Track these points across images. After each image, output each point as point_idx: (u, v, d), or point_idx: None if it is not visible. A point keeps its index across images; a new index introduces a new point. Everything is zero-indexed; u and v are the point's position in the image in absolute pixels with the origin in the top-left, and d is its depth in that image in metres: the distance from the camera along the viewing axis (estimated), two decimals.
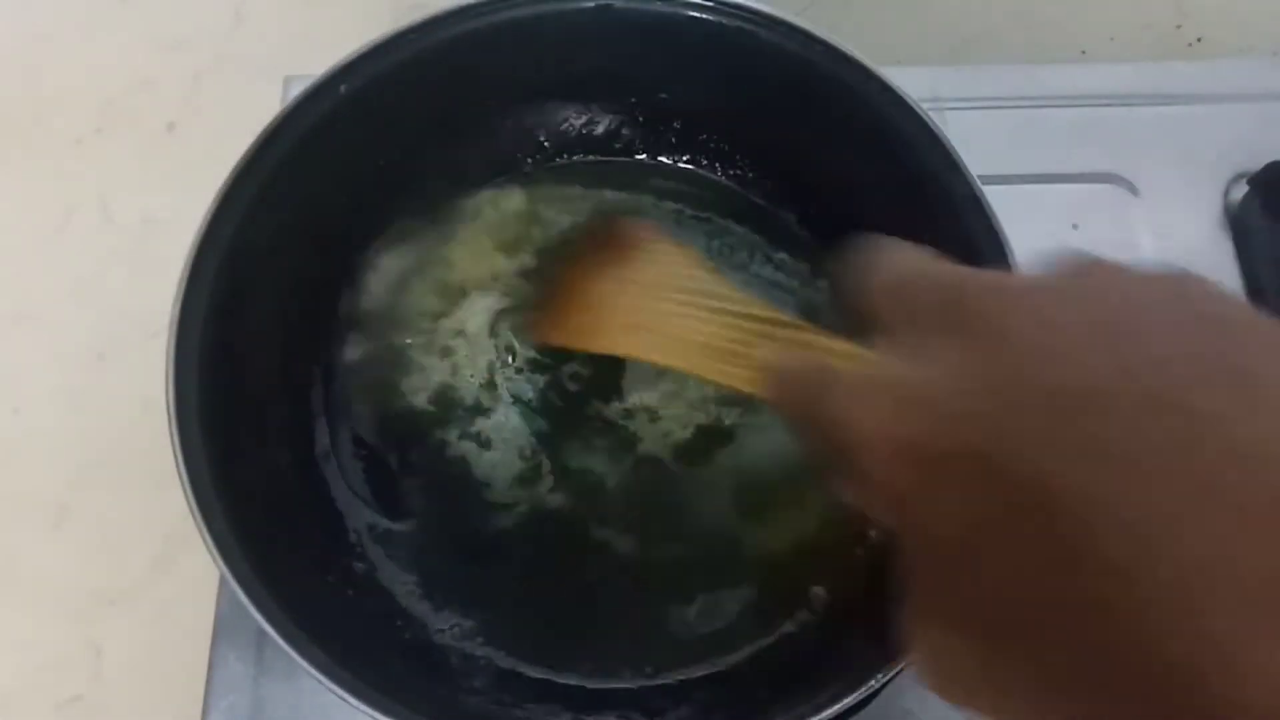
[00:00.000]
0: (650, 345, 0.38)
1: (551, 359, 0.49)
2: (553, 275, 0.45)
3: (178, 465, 0.37)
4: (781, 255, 0.52)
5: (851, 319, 0.29)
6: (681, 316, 0.38)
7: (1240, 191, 0.57)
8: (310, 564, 0.44)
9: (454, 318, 0.50)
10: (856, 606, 0.44)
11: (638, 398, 0.48)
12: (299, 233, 0.46)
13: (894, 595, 0.25)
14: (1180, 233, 0.56)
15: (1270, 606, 0.18)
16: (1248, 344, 0.21)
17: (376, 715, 0.35)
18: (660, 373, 0.48)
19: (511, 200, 0.53)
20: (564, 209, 0.52)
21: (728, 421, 0.48)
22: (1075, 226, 0.56)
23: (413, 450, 0.48)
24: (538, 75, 0.49)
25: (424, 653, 0.44)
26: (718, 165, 0.53)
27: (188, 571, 0.51)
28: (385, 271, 0.51)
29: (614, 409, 0.48)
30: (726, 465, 0.47)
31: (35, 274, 0.59)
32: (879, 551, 0.45)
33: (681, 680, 0.44)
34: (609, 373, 0.49)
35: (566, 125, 0.53)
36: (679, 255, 0.40)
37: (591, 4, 0.46)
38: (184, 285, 0.40)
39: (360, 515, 0.47)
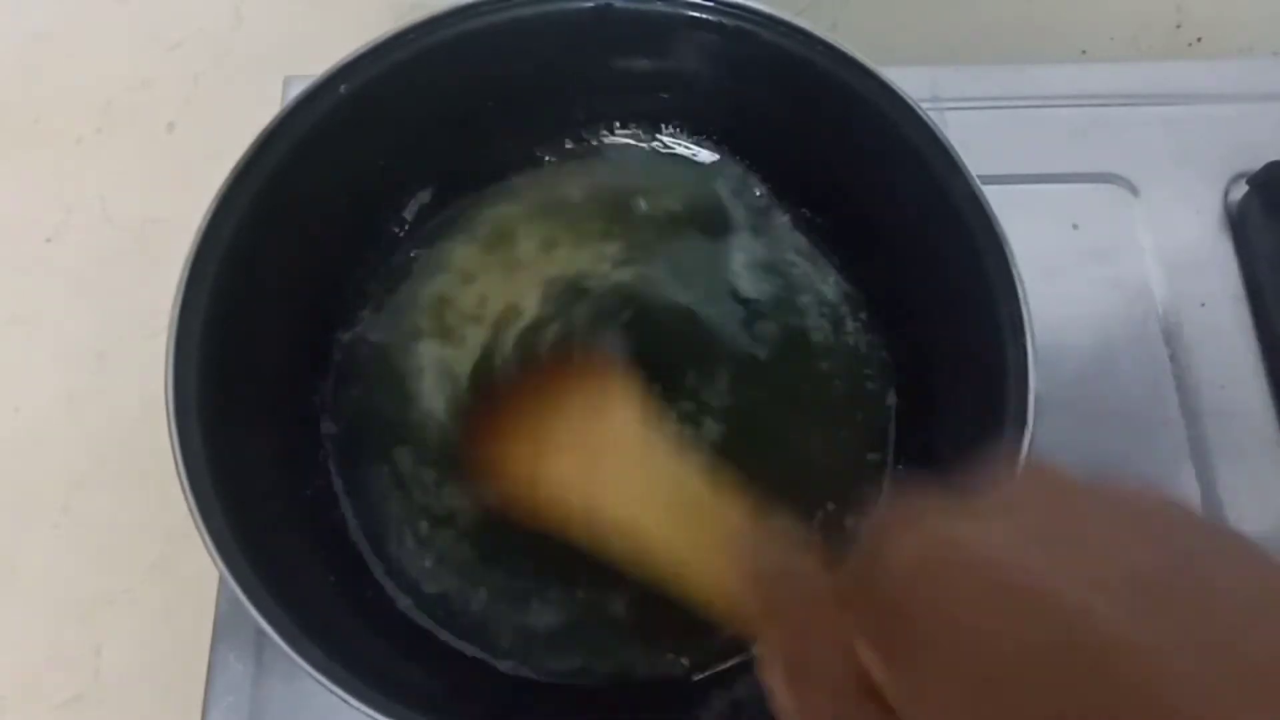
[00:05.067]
0: (595, 494, 0.36)
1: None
2: (492, 399, 0.43)
3: (178, 465, 0.37)
4: (781, 255, 0.52)
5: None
6: (631, 475, 0.36)
7: (1240, 191, 0.57)
8: (310, 564, 0.44)
9: (454, 320, 0.50)
10: None
11: None
12: (299, 233, 0.46)
13: None
14: (1180, 233, 0.56)
15: None
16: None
17: (376, 715, 0.35)
18: None
19: (509, 202, 0.53)
20: (562, 211, 0.52)
21: None
22: (1075, 226, 0.56)
23: (416, 448, 0.48)
24: (538, 75, 0.49)
25: (425, 653, 0.44)
26: (717, 164, 0.53)
27: (188, 571, 0.51)
28: (386, 269, 0.51)
29: None
30: None
31: (35, 274, 0.59)
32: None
33: (681, 681, 0.44)
34: None
35: (567, 125, 0.53)
36: (632, 405, 0.38)
37: (591, 4, 0.46)
38: (184, 285, 0.40)
39: (361, 514, 0.47)
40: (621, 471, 0.37)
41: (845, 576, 0.27)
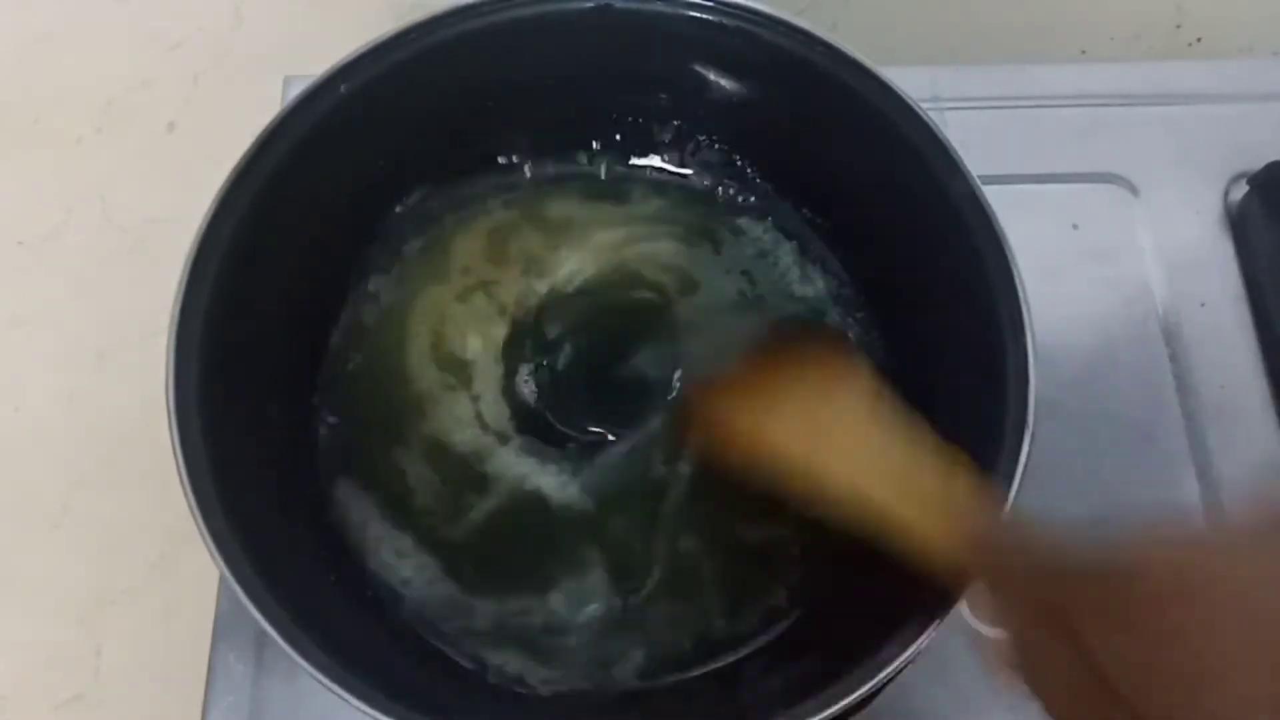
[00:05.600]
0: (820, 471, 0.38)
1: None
2: (733, 367, 0.44)
3: (178, 465, 0.37)
4: (778, 254, 0.52)
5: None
6: (861, 449, 0.38)
7: (1240, 191, 0.57)
8: (310, 564, 0.44)
9: (453, 321, 0.50)
10: (851, 606, 0.44)
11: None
12: (299, 233, 0.46)
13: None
14: (1180, 233, 0.56)
15: None
16: None
17: (376, 715, 0.35)
18: None
19: (509, 203, 0.53)
20: (562, 212, 0.52)
21: None
22: (1075, 226, 0.56)
23: (416, 447, 0.48)
24: (537, 75, 0.49)
25: (424, 652, 0.44)
26: (717, 165, 0.53)
27: (188, 571, 0.51)
28: (386, 270, 0.51)
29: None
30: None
31: (35, 274, 0.59)
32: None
33: (681, 680, 0.44)
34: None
35: (567, 124, 0.53)
36: (866, 388, 0.40)
37: (591, 4, 0.46)
38: (184, 285, 0.40)
39: (360, 513, 0.47)
40: (852, 437, 0.39)
41: (1086, 573, 0.29)
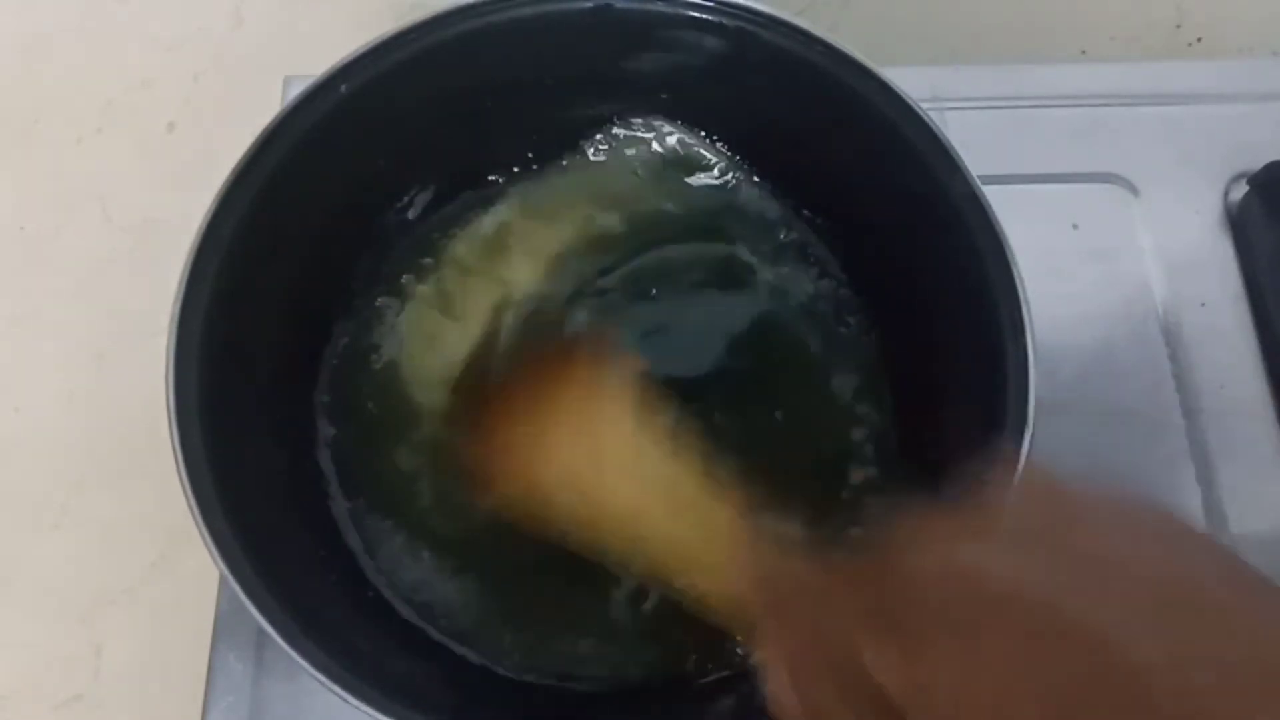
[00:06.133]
0: (591, 505, 0.36)
1: None
2: (488, 403, 0.43)
3: (178, 465, 0.37)
4: (777, 254, 0.52)
5: None
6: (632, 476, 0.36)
7: (1240, 191, 0.57)
8: (310, 564, 0.44)
9: (453, 321, 0.50)
10: None
11: None
12: (299, 233, 0.46)
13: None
14: (1180, 233, 0.56)
15: None
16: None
17: (376, 715, 0.35)
18: None
19: (508, 203, 0.53)
20: (561, 211, 0.52)
21: None
22: (1075, 226, 0.56)
23: (415, 448, 0.48)
24: (537, 75, 0.49)
25: (425, 652, 0.44)
26: (716, 166, 0.53)
27: (188, 571, 0.51)
28: (385, 270, 0.51)
29: None
30: None
31: (35, 274, 0.59)
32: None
33: (681, 681, 0.44)
34: None
35: (566, 125, 0.53)
36: (625, 401, 0.38)
37: (591, 4, 0.46)
38: (184, 285, 0.40)
39: (360, 514, 0.46)
40: (616, 469, 0.37)
41: (853, 581, 0.27)
